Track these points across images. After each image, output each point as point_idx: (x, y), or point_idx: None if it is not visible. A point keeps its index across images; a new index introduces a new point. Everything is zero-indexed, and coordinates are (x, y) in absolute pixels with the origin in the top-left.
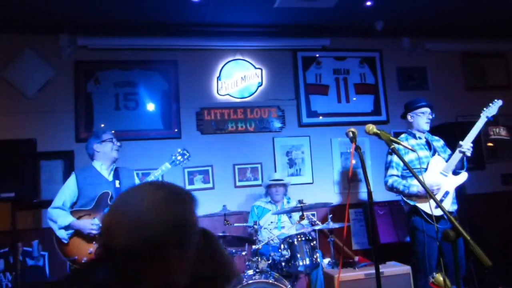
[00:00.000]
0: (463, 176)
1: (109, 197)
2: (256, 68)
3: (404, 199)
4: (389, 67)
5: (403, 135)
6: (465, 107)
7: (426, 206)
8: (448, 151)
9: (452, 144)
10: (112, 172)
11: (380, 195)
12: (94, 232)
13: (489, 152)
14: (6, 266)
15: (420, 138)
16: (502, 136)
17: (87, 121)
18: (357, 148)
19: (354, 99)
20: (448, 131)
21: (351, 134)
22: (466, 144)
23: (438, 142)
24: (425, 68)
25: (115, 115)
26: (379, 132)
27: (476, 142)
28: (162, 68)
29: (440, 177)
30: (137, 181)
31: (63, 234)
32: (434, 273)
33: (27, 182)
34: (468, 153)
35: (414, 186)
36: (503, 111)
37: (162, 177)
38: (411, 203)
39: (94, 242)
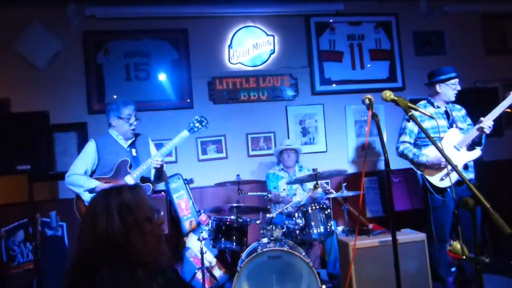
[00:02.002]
0: (476, 153)
1: (128, 165)
2: (268, 35)
3: (412, 167)
4: (405, 31)
5: (422, 102)
6: (484, 72)
7: (433, 178)
8: (469, 121)
9: (470, 111)
10: (130, 141)
11: (395, 163)
12: None
13: (508, 118)
14: (26, 236)
15: (438, 107)
16: None
17: (99, 93)
18: (374, 116)
19: (369, 65)
20: (467, 97)
21: (367, 101)
22: (487, 122)
23: (460, 112)
24: (442, 32)
25: (126, 86)
26: (396, 98)
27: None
28: (172, 37)
29: (452, 151)
30: (152, 147)
31: (87, 197)
32: (452, 241)
33: (42, 154)
34: (487, 131)
35: (424, 155)
36: None
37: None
38: (419, 172)
39: None
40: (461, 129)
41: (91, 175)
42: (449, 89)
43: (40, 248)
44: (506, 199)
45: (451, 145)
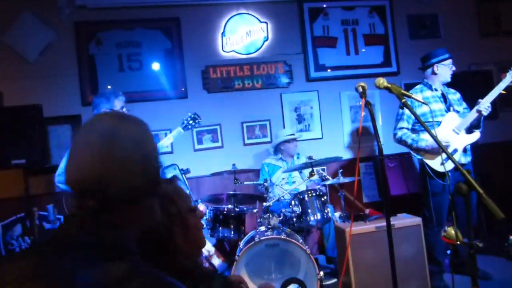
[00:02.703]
0: (475, 135)
1: None
2: (261, 22)
3: (412, 152)
4: (399, 15)
5: (418, 86)
6: (478, 54)
7: (433, 162)
8: (464, 105)
9: (465, 95)
10: None
11: (391, 147)
12: None
13: (502, 101)
14: (24, 230)
15: (436, 90)
16: None
17: (92, 84)
18: (367, 104)
19: (363, 50)
20: (462, 80)
21: (360, 89)
22: (485, 104)
23: (454, 95)
24: (436, 15)
25: (119, 76)
26: (390, 85)
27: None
28: (164, 26)
29: (451, 134)
30: None
31: None
32: (446, 227)
33: (36, 148)
34: (485, 113)
35: (423, 140)
36: None
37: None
38: (418, 157)
39: None
40: (457, 112)
41: None
42: (446, 69)
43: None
44: (502, 181)
45: (450, 129)
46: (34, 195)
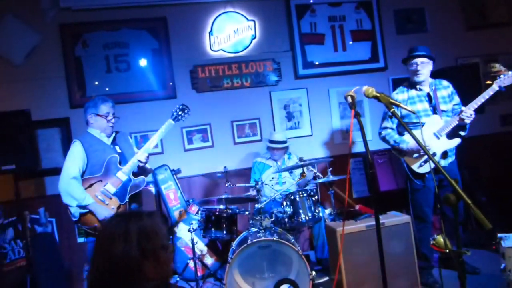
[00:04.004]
0: (455, 141)
1: (118, 162)
2: (248, 20)
3: (394, 152)
4: (386, 10)
5: (405, 84)
6: (465, 48)
7: (412, 163)
8: (456, 99)
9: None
10: (111, 139)
11: (380, 143)
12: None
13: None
14: (16, 234)
15: (421, 89)
16: (501, 73)
17: (80, 87)
18: (357, 115)
19: (351, 43)
20: (449, 75)
21: (350, 99)
22: (468, 111)
23: (446, 90)
24: (423, 9)
25: (107, 78)
26: (378, 95)
27: (475, 83)
28: (151, 26)
29: (431, 138)
30: (132, 144)
31: (75, 210)
32: (435, 235)
33: (26, 152)
34: (468, 121)
35: (404, 142)
36: (504, 49)
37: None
38: (400, 157)
39: (112, 206)
40: (443, 111)
41: (82, 176)
42: (410, 69)
43: (31, 245)
44: (490, 174)
45: (431, 132)
46: (25, 199)
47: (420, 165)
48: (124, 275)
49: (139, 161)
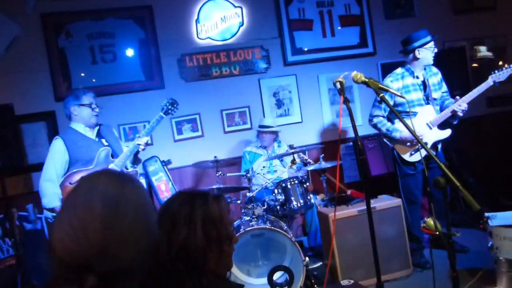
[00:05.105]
0: (447, 132)
1: (110, 154)
2: (235, 6)
3: (385, 140)
4: None
5: (399, 71)
6: (452, 31)
7: (403, 152)
8: (444, 88)
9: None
10: (95, 132)
11: (370, 128)
12: None
13: (475, 77)
14: (4, 232)
15: (417, 77)
16: (486, 56)
17: (65, 79)
18: (346, 101)
19: (339, 28)
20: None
21: (338, 85)
22: (462, 105)
23: (436, 76)
24: None
25: (93, 69)
26: (367, 80)
27: (462, 66)
28: (137, 15)
29: (423, 128)
30: (117, 137)
31: (49, 215)
32: (426, 218)
33: (11, 148)
34: (461, 114)
35: (398, 131)
36: (490, 32)
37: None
38: (390, 145)
39: None
40: (434, 99)
41: (67, 171)
42: (428, 53)
43: (21, 243)
44: (478, 156)
45: (423, 122)
46: (12, 196)
47: (411, 154)
48: (185, 263)
49: (138, 145)
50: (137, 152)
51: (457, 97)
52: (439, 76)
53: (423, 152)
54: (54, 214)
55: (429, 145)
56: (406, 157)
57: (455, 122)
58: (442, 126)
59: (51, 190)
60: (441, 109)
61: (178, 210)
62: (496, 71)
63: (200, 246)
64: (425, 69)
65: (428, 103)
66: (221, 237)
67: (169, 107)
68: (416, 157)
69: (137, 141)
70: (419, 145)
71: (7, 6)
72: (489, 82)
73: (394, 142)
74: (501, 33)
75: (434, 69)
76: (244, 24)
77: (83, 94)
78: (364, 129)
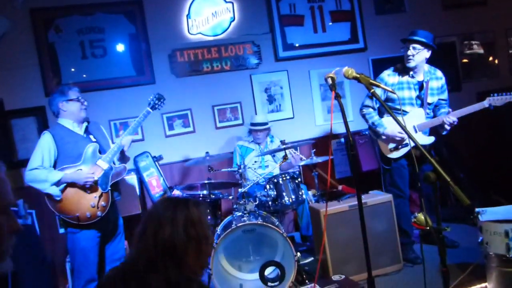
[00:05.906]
0: (430, 139)
1: (97, 150)
2: (227, 2)
3: (370, 132)
4: None
5: (399, 66)
6: (442, 27)
7: (383, 146)
8: (444, 95)
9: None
10: (84, 128)
11: (361, 124)
12: (90, 181)
13: (465, 71)
14: None
15: (413, 76)
16: (476, 51)
17: (55, 74)
18: (337, 96)
19: (330, 23)
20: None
21: (330, 81)
22: (451, 118)
23: (438, 81)
24: None
25: (83, 64)
26: (358, 76)
27: (451, 62)
28: (127, 9)
29: (409, 130)
30: (105, 133)
31: (54, 190)
32: (416, 213)
33: (1, 144)
34: (448, 128)
35: (382, 127)
36: (480, 28)
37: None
38: (374, 137)
39: (94, 195)
40: (429, 104)
41: (54, 167)
42: (405, 53)
43: None
44: (468, 151)
45: (410, 124)
46: None
47: (390, 150)
48: (171, 255)
49: (123, 145)
50: (123, 150)
51: (450, 109)
52: (442, 81)
53: (403, 150)
54: (62, 186)
55: (408, 148)
56: (386, 152)
57: (444, 133)
58: (429, 132)
59: (44, 170)
60: (433, 116)
61: (163, 213)
62: (495, 94)
63: (181, 242)
64: (429, 71)
65: (420, 105)
66: (199, 236)
67: (156, 101)
68: (396, 154)
69: (121, 141)
70: (402, 144)
71: None
72: (485, 103)
73: (377, 136)
74: (491, 29)
75: (439, 73)
76: (235, 19)
77: (68, 89)
78: (356, 125)
